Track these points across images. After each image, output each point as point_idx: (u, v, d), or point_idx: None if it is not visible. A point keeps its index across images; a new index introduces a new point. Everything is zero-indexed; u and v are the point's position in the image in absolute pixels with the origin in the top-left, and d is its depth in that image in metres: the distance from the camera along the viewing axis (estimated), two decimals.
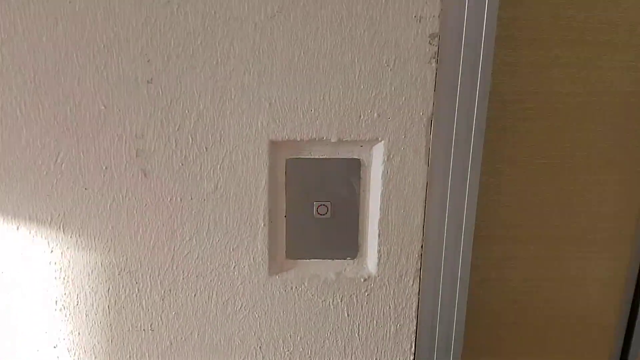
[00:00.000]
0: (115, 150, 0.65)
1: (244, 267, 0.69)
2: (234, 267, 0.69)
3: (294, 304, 0.71)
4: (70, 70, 0.61)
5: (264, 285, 0.70)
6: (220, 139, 0.65)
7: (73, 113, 0.63)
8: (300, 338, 0.73)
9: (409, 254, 0.70)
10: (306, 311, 0.72)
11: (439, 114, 0.66)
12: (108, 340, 0.72)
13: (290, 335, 0.73)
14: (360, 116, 0.65)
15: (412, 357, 0.75)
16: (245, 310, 0.71)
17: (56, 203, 0.66)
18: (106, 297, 0.70)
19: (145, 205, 0.67)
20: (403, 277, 0.71)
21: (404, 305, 0.72)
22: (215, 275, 0.70)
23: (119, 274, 0.69)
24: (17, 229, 0.67)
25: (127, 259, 0.68)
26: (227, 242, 0.68)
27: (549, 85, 0.81)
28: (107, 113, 0.63)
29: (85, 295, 0.70)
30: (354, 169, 0.68)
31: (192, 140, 0.65)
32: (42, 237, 0.67)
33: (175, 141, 0.64)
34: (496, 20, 0.63)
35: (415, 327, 0.74)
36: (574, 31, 0.79)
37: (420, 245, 0.70)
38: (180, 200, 0.67)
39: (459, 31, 0.63)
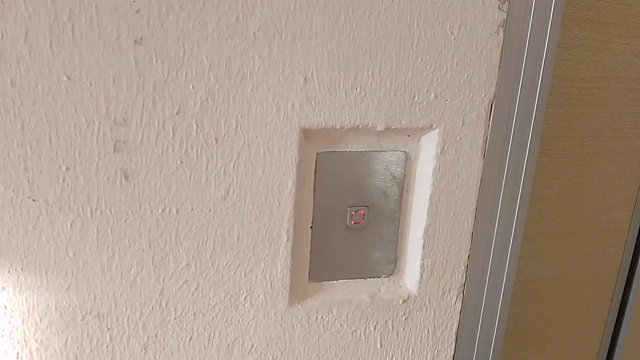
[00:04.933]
0: (82, 142, 0.44)
1: (259, 296, 0.52)
2: (245, 298, 0.52)
3: (318, 338, 0.56)
4: (9, 10, 0.40)
5: (282, 318, 0.54)
6: (237, 128, 0.47)
7: (16, 85, 0.41)
8: None
9: (454, 266, 0.58)
10: (332, 346, 0.57)
11: (499, 96, 0.54)
12: None
13: None
14: (414, 97, 0.51)
15: None
16: (256, 352, 0.54)
17: None
18: (62, 354, 0.49)
19: (125, 220, 0.47)
20: (446, 295, 0.59)
21: (443, 327, 0.60)
22: (220, 310, 0.52)
23: (82, 319, 0.48)
24: None
25: (95, 298, 0.48)
26: (239, 266, 0.51)
27: (564, 70, 0.74)
28: (71, 87, 0.42)
29: (31, 353, 0.48)
30: (398, 165, 0.54)
31: (196, 129, 0.46)
32: None
33: (173, 130, 0.46)
34: None
35: (453, 352, 0.62)
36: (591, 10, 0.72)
37: (467, 256, 0.58)
38: (177, 212, 0.48)
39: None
